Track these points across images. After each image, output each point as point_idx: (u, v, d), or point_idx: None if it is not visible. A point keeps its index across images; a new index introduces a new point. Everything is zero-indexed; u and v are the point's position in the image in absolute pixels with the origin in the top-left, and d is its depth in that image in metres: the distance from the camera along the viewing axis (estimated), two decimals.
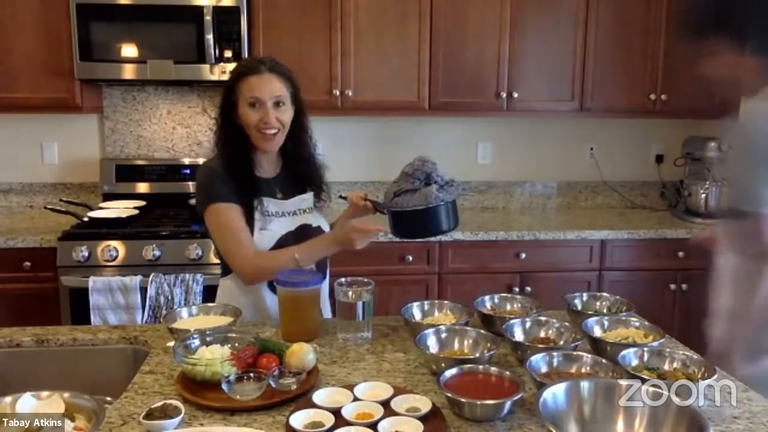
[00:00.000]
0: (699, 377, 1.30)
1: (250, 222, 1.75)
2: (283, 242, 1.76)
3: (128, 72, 2.98)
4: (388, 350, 1.56)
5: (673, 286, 3.19)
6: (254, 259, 1.72)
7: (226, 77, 3.02)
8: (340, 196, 1.95)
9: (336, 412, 1.18)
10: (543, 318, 1.59)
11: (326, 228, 1.90)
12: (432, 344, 1.47)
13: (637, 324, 1.56)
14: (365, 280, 1.64)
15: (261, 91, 1.68)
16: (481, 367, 1.32)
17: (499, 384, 1.26)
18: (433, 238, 2.95)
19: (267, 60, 1.75)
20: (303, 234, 1.80)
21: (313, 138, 1.88)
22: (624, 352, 1.37)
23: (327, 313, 1.91)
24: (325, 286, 1.87)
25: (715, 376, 1.28)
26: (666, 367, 1.36)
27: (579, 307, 1.71)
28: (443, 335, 1.49)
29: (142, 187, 3.39)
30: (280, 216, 1.79)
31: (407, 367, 1.45)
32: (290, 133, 1.79)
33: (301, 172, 1.86)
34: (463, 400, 1.19)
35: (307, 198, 1.87)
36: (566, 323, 1.55)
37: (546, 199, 3.76)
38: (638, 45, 3.30)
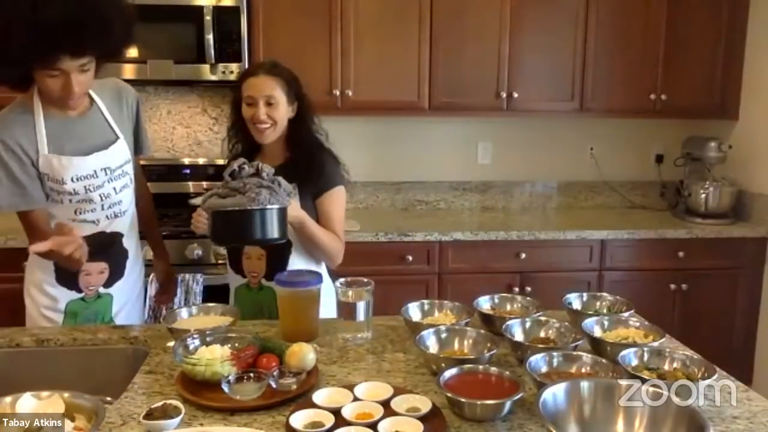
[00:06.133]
0: (699, 377, 1.30)
1: None
2: None
3: (128, 72, 2.98)
4: (388, 350, 1.56)
5: (673, 286, 3.19)
6: None
7: (226, 77, 3.04)
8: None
9: (336, 412, 1.18)
10: (543, 318, 1.59)
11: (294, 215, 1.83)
12: (432, 344, 1.47)
13: (637, 324, 1.56)
14: (365, 280, 1.63)
15: (255, 91, 1.84)
16: (481, 367, 1.32)
17: (499, 384, 1.26)
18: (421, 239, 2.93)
19: (267, 63, 1.92)
20: None
21: (317, 131, 1.96)
22: (624, 352, 1.37)
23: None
24: None
25: (715, 376, 1.28)
26: (666, 367, 1.36)
27: (579, 307, 1.71)
28: (443, 335, 1.49)
29: None
30: None
31: (407, 367, 1.45)
32: (291, 127, 1.92)
33: (298, 161, 1.94)
34: (463, 400, 1.19)
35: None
36: (566, 323, 1.55)
37: (546, 199, 3.75)
38: (638, 45, 3.30)
